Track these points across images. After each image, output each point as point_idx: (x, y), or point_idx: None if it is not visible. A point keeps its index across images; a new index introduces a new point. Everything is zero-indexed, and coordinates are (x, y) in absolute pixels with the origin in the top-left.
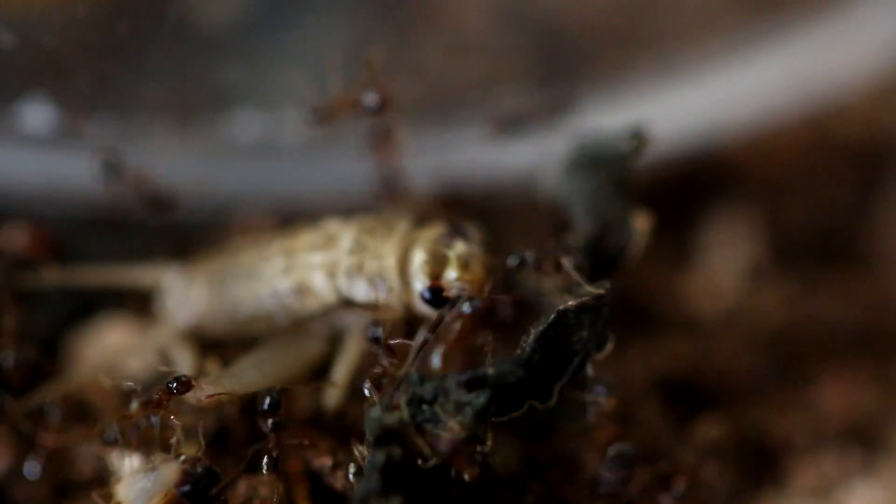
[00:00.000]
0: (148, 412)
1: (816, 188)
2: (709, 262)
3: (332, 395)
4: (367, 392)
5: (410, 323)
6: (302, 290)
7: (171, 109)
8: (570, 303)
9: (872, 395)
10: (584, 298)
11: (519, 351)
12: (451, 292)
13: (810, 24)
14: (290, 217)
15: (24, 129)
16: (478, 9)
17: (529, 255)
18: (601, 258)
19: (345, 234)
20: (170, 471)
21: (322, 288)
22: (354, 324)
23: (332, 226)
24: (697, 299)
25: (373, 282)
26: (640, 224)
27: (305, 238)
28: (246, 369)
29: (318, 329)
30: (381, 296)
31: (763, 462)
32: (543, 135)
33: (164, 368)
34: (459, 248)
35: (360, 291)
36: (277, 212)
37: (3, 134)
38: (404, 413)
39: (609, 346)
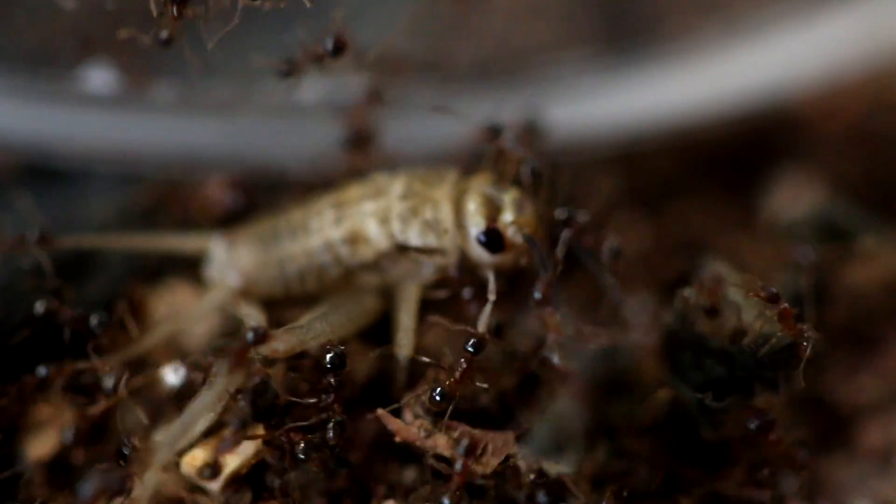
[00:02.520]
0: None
1: (879, 147)
2: (773, 221)
3: (404, 343)
4: None
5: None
6: (355, 239)
7: (233, 72)
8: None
9: None
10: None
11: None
12: (508, 234)
13: None
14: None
15: (88, 91)
16: None
17: (581, 215)
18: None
19: (396, 183)
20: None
21: (375, 234)
22: (406, 273)
23: (382, 177)
24: (762, 259)
25: (427, 225)
26: None
27: (355, 190)
28: (316, 322)
29: (370, 283)
30: (436, 240)
31: (833, 424)
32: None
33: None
34: (513, 192)
35: (415, 235)
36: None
37: (68, 96)
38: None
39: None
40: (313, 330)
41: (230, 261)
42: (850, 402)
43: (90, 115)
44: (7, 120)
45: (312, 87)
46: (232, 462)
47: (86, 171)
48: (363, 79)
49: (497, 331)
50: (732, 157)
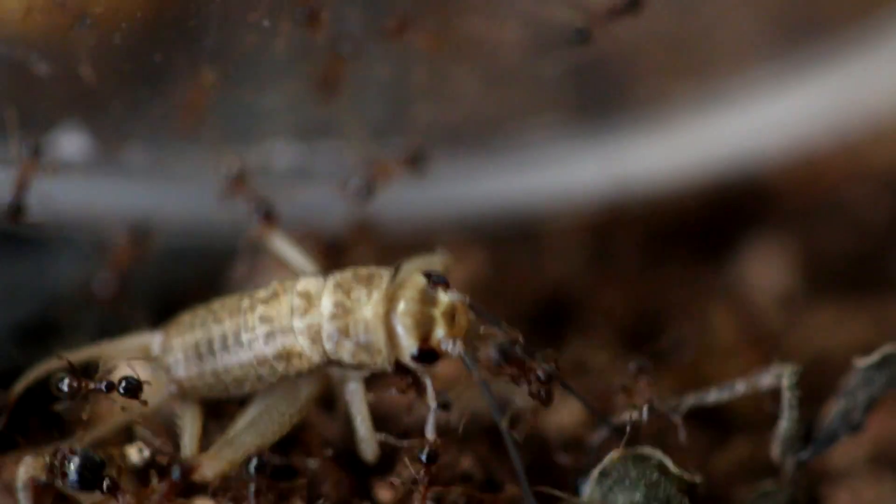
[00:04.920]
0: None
1: (852, 216)
2: (744, 291)
3: (369, 451)
4: None
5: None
6: (289, 356)
7: (204, 138)
8: None
9: None
10: None
11: None
12: (442, 348)
13: (847, 53)
14: (324, 241)
15: (60, 157)
16: (514, 37)
17: (517, 349)
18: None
19: (325, 297)
20: None
21: (308, 351)
22: (345, 372)
23: (311, 286)
24: (732, 329)
25: (359, 347)
26: None
27: (284, 301)
28: (243, 433)
29: (309, 377)
30: (370, 359)
31: (803, 489)
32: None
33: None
34: (442, 302)
35: (347, 356)
36: (310, 236)
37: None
38: None
39: None
40: (243, 445)
41: (166, 368)
42: (820, 466)
43: (62, 181)
44: None
45: (284, 153)
46: None
47: (57, 237)
48: (334, 145)
49: (445, 406)
50: (704, 225)
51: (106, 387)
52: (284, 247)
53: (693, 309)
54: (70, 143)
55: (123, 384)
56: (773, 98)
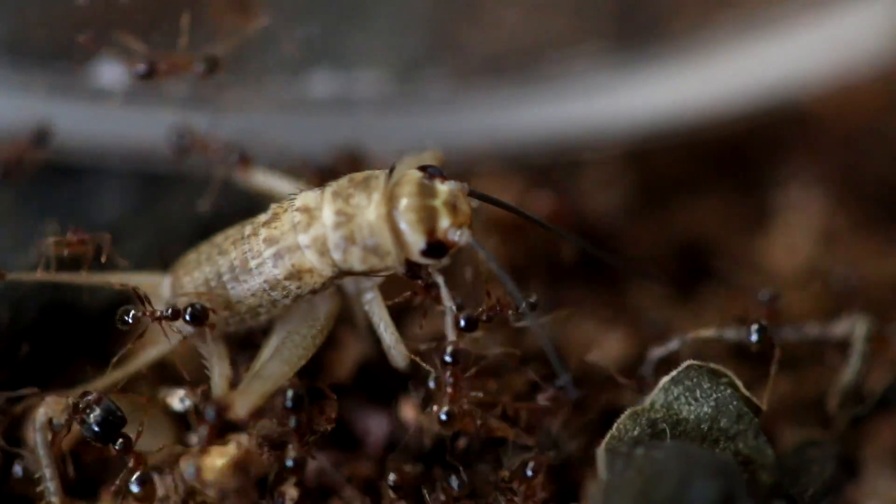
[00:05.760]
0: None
1: (892, 143)
2: (785, 222)
3: (399, 357)
4: None
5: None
6: (299, 273)
7: (245, 67)
8: None
9: None
10: None
11: None
12: (450, 239)
13: None
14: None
15: (99, 87)
16: None
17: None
18: None
19: (325, 208)
20: None
21: (318, 265)
22: (359, 281)
23: (309, 199)
24: (773, 261)
25: (367, 251)
26: None
27: (286, 219)
28: (271, 365)
29: (323, 293)
30: (380, 262)
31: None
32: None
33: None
34: (442, 192)
35: (357, 263)
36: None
37: (80, 91)
38: None
39: None
40: (272, 376)
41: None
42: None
43: (102, 111)
44: (19, 115)
45: (324, 83)
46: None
47: (98, 166)
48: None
49: (470, 325)
50: (744, 154)
51: (172, 314)
52: (270, 180)
53: (733, 239)
54: (109, 73)
55: (189, 311)
56: (812, 25)
